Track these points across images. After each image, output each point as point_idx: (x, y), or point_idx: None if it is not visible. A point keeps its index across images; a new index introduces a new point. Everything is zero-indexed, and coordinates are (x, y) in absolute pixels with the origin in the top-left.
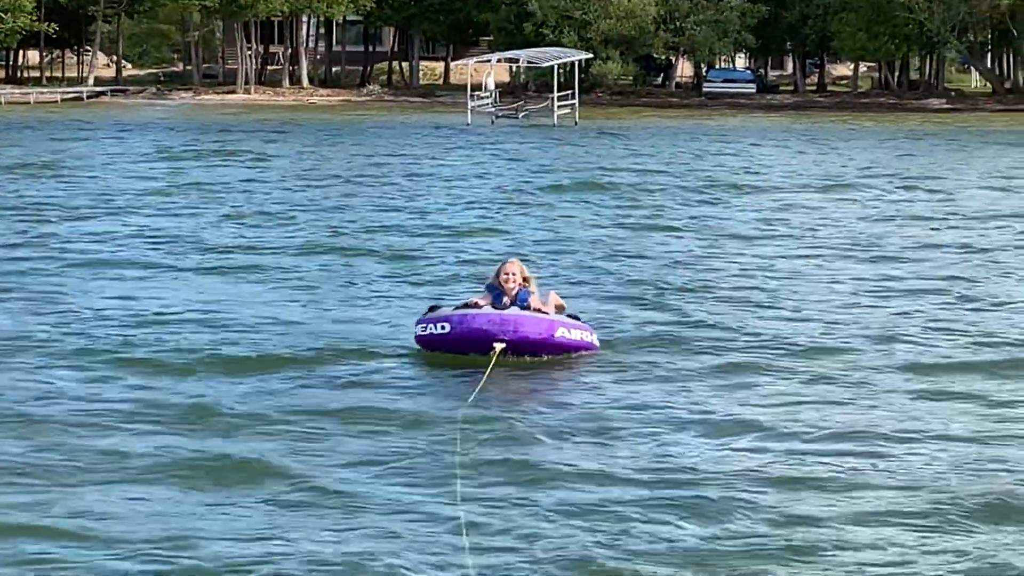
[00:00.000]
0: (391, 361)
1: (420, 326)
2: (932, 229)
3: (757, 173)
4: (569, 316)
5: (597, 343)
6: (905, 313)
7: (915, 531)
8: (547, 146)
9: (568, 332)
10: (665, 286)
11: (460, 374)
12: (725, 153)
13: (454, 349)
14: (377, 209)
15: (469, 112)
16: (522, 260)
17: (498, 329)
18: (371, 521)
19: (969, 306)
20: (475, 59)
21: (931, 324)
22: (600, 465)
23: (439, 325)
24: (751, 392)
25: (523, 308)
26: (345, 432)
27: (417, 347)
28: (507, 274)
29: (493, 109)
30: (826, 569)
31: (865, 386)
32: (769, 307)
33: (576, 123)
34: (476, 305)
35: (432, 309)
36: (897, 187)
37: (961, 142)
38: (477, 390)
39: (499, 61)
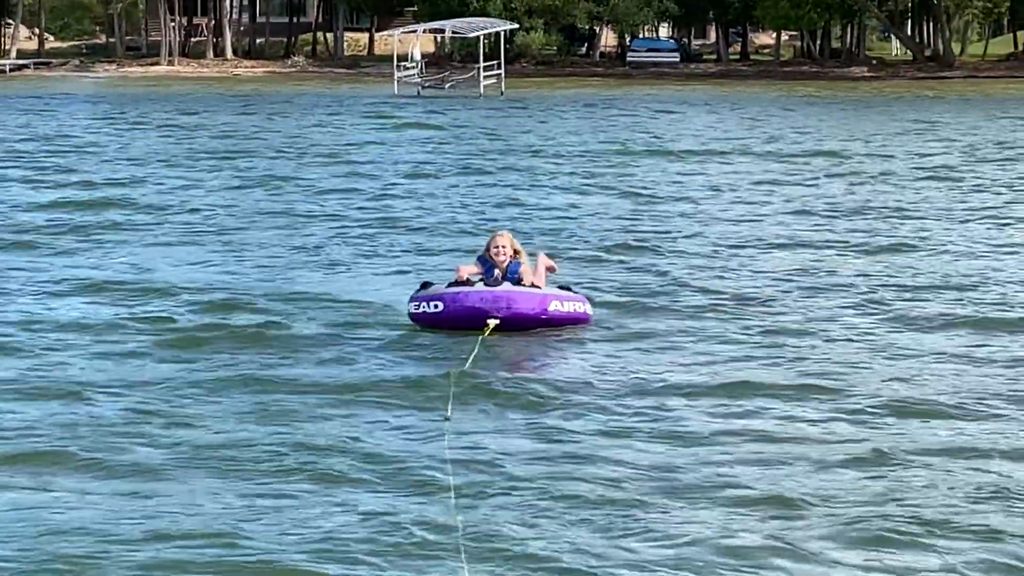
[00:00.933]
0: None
1: (413, 304)
2: (856, 188)
3: (682, 139)
4: (561, 287)
5: (591, 312)
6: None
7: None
8: (477, 116)
9: (561, 305)
10: (619, 248)
11: (451, 347)
12: (650, 120)
13: (447, 327)
14: (316, 181)
15: (396, 83)
16: (499, 231)
17: (491, 306)
18: (359, 495)
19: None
20: (401, 30)
21: (882, 276)
22: (594, 433)
23: (432, 304)
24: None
25: (514, 281)
26: (336, 406)
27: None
28: (497, 247)
29: (419, 80)
30: (812, 522)
31: (867, 346)
32: (731, 267)
33: (502, 93)
34: (467, 281)
35: (425, 286)
36: (818, 151)
37: (878, 108)
38: (470, 361)
39: (425, 31)
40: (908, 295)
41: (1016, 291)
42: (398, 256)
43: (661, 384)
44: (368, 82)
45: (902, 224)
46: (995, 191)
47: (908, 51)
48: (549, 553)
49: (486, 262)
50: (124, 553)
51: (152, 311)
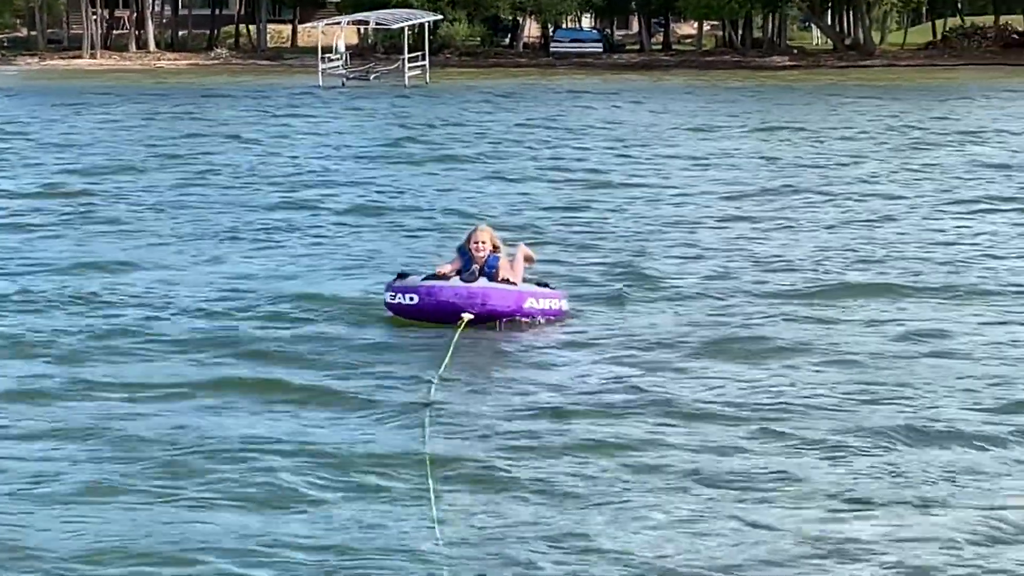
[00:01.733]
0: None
1: (389, 294)
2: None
3: (615, 127)
4: (538, 283)
5: (566, 307)
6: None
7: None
8: (403, 106)
9: (536, 302)
10: (558, 236)
11: (429, 337)
12: (576, 108)
13: (422, 319)
14: (247, 171)
15: (320, 75)
16: (480, 225)
17: (465, 302)
18: (335, 490)
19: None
20: (324, 21)
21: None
22: (571, 432)
23: (407, 296)
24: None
25: (491, 275)
26: (306, 401)
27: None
28: (477, 242)
29: (344, 71)
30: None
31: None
32: (686, 250)
33: (427, 84)
34: (444, 275)
35: (401, 276)
36: (742, 136)
37: (800, 97)
38: (444, 365)
39: (348, 23)
40: (850, 265)
41: (914, 260)
42: (351, 245)
43: (638, 373)
44: (293, 74)
45: (843, 203)
46: (914, 173)
47: (828, 40)
48: (528, 545)
49: (465, 254)
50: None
51: (106, 312)
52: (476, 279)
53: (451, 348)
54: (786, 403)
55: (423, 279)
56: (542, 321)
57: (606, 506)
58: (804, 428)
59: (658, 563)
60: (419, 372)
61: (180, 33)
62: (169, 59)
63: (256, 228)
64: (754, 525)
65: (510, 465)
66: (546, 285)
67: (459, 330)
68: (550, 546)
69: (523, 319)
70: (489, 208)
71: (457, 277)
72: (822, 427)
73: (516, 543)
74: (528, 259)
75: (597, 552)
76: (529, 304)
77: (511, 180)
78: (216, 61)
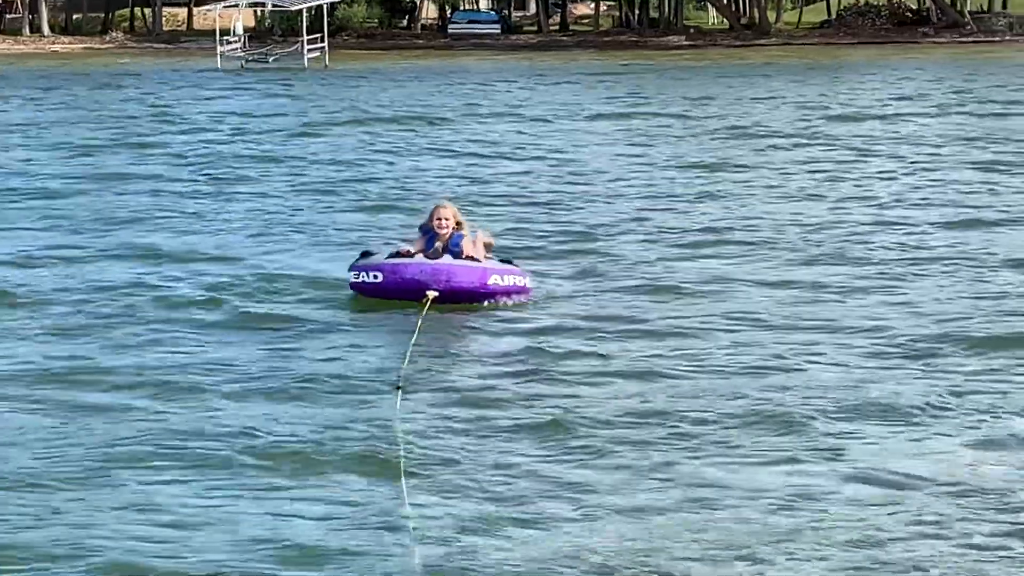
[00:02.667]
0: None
1: (352, 273)
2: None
3: (522, 106)
4: (502, 260)
5: (531, 285)
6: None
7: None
8: (305, 89)
9: (501, 279)
10: (498, 211)
11: (395, 317)
12: (478, 88)
13: (387, 297)
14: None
15: (219, 58)
16: (441, 202)
17: (430, 279)
18: (304, 476)
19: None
20: (221, 4)
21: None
22: (541, 412)
23: (371, 274)
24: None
25: (455, 253)
26: (278, 385)
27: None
28: (440, 219)
29: (243, 54)
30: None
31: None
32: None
33: (326, 66)
34: (408, 254)
35: (365, 255)
36: (649, 114)
37: (698, 75)
38: (410, 347)
39: (245, 5)
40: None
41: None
42: (296, 223)
43: (603, 350)
44: (191, 57)
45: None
46: (812, 148)
47: (724, 20)
48: (498, 528)
49: (428, 232)
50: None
51: (58, 295)
52: (441, 256)
53: (417, 329)
54: (748, 373)
55: (387, 257)
56: (508, 301)
57: (574, 485)
58: (769, 399)
59: (622, 544)
60: (386, 354)
61: (74, 16)
62: (64, 43)
63: (192, 211)
64: (726, 502)
65: (480, 447)
66: (509, 262)
67: (424, 309)
68: (519, 527)
69: (488, 297)
70: (419, 185)
71: (421, 255)
72: (789, 397)
73: (486, 526)
74: (487, 246)
75: (564, 532)
76: (494, 281)
77: (434, 156)
78: (111, 45)
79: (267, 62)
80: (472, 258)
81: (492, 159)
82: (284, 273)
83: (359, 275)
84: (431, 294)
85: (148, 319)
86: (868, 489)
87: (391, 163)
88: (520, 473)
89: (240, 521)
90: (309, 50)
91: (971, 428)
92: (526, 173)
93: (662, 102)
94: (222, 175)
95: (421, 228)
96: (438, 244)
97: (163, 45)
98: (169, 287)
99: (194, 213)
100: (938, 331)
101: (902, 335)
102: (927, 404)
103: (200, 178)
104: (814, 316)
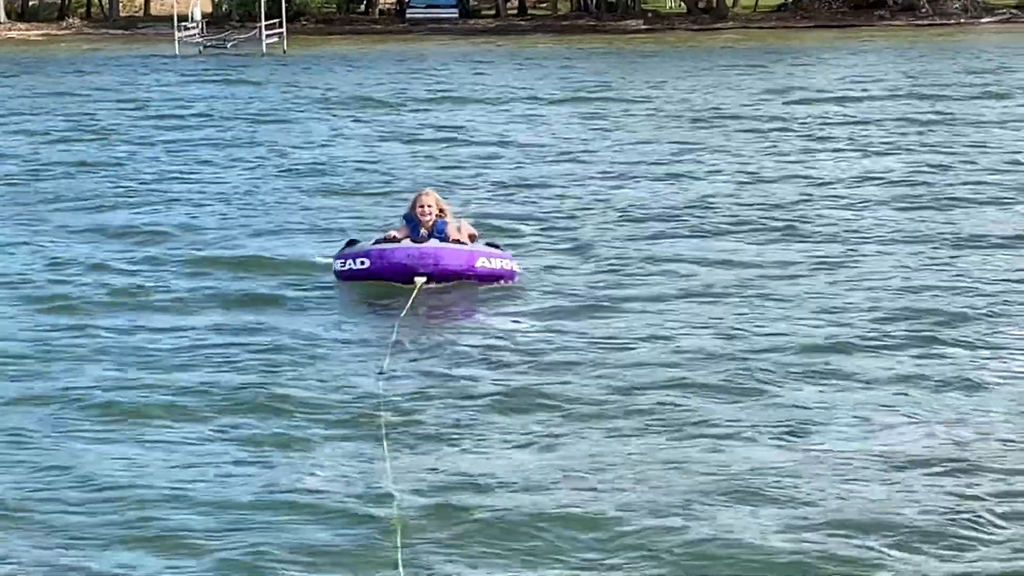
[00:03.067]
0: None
1: (339, 261)
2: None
3: (483, 89)
4: (488, 244)
5: (518, 269)
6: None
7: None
8: (264, 74)
9: (488, 262)
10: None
11: (381, 303)
12: (431, 75)
13: (375, 281)
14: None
15: (177, 44)
16: (423, 189)
17: (418, 263)
18: (291, 459)
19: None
20: None
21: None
22: (528, 396)
23: (358, 260)
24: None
25: (441, 239)
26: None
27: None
28: (423, 206)
29: (200, 40)
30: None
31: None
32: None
33: (284, 51)
34: (394, 239)
35: (351, 243)
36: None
37: (658, 59)
38: (403, 314)
39: None
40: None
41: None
42: (276, 209)
43: (588, 335)
44: (149, 43)
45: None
46: (770, 131)
47: (682, 4)
48: (485, 511)
49: (412, 220)
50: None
51: (50, 279)
52: (427, 242)
53: (407, 305)
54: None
55: (373, 243)
56: (498, 283)
57: (561, 464)
58: (737, 372)
59: (608, 512)
60: (371, 339)
61: (30, 3)
62: (20, 29)
63: (160, 195)
64: (704, 487)
65: (464, 429)
66: (495, 246)
67: (414, 295)
68: (504, 506)
69: (476, 281)
70: (382, 169)
71: (408, 240)
72: (766, 369)
73: (470, 501)
74: (471, 237)
75: (548, 505)
76: (482, 263)
77: (401, 141)
78: (68, 31)
79: (225, 48)
80: (459, 242)
81: (454, 144)
82: (255, 255)
83: (345, 263)
84: (420, 280)
85: (102, 305)
86: (827, 458)
87: (353, 148)
88: (502, 448)
89: (223, 492)
90: (267, 35)
91: (921, 401)
92: (489, 157)
93: (622, 86)
94: (186, 160)
95: (405, 217)
96: (423, 231)
97: (120, 31)
98: (139, 270)
99: (163, 198)
100: (892, 306)
101: (860, 309)
102: (881, 377)
103: (164, 163)
104: (776, 291)
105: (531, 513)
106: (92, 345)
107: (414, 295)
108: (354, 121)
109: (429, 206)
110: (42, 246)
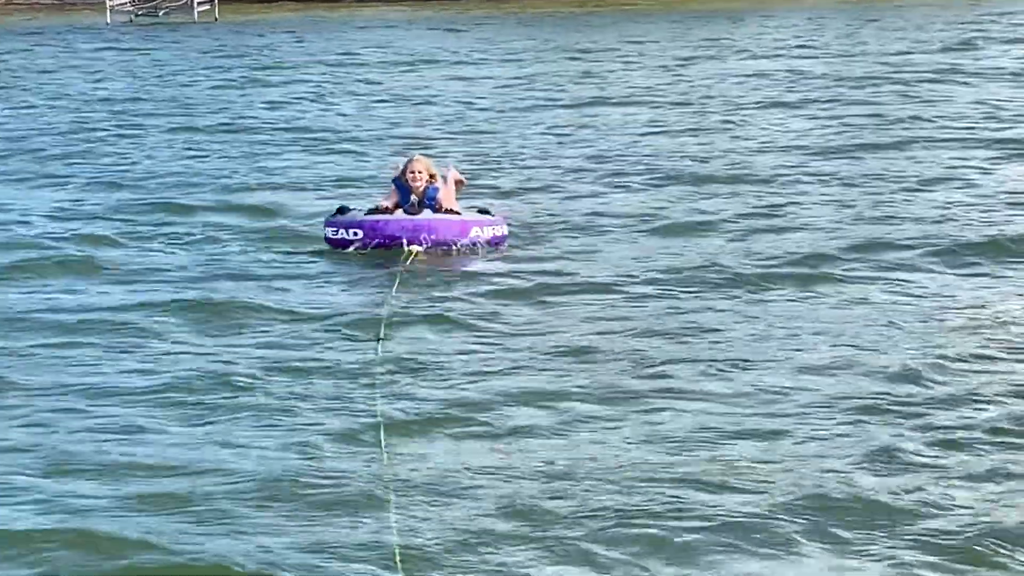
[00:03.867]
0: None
1: (331, 228)
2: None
3: (417, 54)
4: (480, 211)
5: (507, 233)
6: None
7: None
8: (198, 42)
9: (482, 231)
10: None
11: (374, 272)
12: (363, 39)
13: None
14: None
15: (108, 12)
16: (414, 155)
17: (411, 235)
18: (282, 427)
19: None
20: None
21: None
22: (523, 354)
23: (351, 231)
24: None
25: (432, 207)
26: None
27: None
28: (414, 172)
29: (132, 8)
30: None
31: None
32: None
33: (216, 19)
34: (386, 209)
35: (341, 211)
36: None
37: (548, 27)
38: (395, 285)
39: None
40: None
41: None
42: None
43: (578, 303)
44: (78, 13)
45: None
46: (705, 91)
47: None
48: (478, 488)
49: (402, 186)
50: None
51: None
52: (419, 212)
53: (396, 282)
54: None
55: (365, 213)
56: (484, 247)
57: (549, 440)
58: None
59: (613, 498)
60: (365, 308)
61: None
62: None
63: (113, 163)
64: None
65: (460, 405)
66: (486, 212)
67: (410, 259)
68: (498, 488)
69: (466, 247)
70: (353, 134)
71: (400, 211)
72: (746, 351)
73: (465, 483)
74: (459, 183)
75: (541, 488)
76: (475, 233)
77: (334, 105)
78: None
79: (157, 16)
80: (451, 211)
81: (393, 105)
82: (252, 222)
83: (337, 231)
84: (414, 248)
85: (110, 272)
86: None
87: (296, 112)
88: (498, 417)
89: (216, 462)
90: (199, 3)
91: (855, 341)
92: (427, 120)
93: (553, 49)
94: (130, 127)
95: (394, 181)
96: (413, 197)
97: (49, 1)
98: (104, 239)
99: (116, 166)
100: (819, 247)
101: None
102: (816, 320)
103: (110, 132)
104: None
105: (532, 495)
106: (56, 323)
107: (409, 261)
108: (288, 86)
109: (419, 172)
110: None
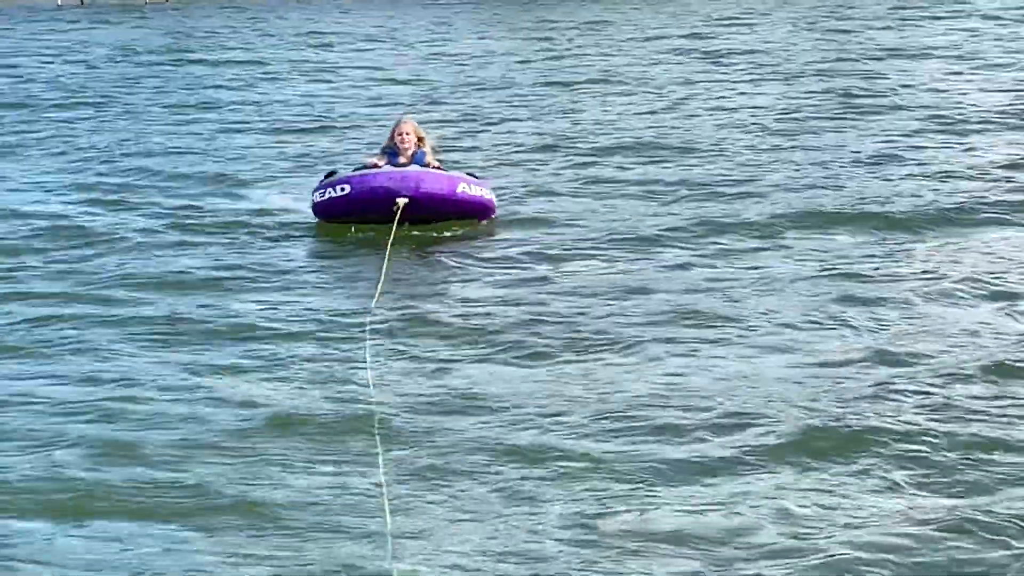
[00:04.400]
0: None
1: (318, 192)
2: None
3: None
4: (468, 174)
5: (495, 200)
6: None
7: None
8: (152, 23)
9: (469, 188)
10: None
11: (363, 243)
12: (318, 18)
13: (356, 210)
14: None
15: None
16: (402, 118)
17: (399, 185)
18: (272, 401)
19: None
20: None
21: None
22: (505, 348)
23: (338, 187)
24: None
25: (422, 165)
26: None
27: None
28: (402, 134)
29: None
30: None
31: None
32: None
33: (167, 0)
34: (375, 166)
35: (330, 175)
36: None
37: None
38: (381, 278)
39: None
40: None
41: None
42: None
43: (570, 283)
44: None
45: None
46: (672, 64)
47: None
48: (471, 470)
49: (390, 151)
50: None
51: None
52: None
53: (386, 259)
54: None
55: (353, 171)
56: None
57: (540, 427)
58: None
59: (604, 460)
60: (355, 287)
61: None
62: None
63: (82, 145)
64: (698, 452)
65: (452, 389)
66: (473, 176)
67: (396, 216)
68: (492, 474)
69: (457, 206)
70: (316, 112)
71: (388, 165)
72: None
73: (458, 466)
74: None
75: (534, 477)
76: (463, 189)
77: (292, 85)
78: None
79: None
80: (440, 168)
81: (352, 85)
82: (232, 206)
83: (325, 192)
84: (401, 201)
85: (92, 259)
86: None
87: (252, 93)
88: (491, 404)
89: (200, 427)
90: None
91: (823, 317)
92: (393, 97)
93: (526, 28)
94: (92, 106)
95: (383, 149)
96: (402, 160)
97: None
98: (111, 225)
99: (85, 146)
100: (782, 216)
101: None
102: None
103: (62, 116)
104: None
105: (531, 484)
106: (12, 322)
107: (397, 217)
108: (247, 66)
109: (407, 134)
110: None
